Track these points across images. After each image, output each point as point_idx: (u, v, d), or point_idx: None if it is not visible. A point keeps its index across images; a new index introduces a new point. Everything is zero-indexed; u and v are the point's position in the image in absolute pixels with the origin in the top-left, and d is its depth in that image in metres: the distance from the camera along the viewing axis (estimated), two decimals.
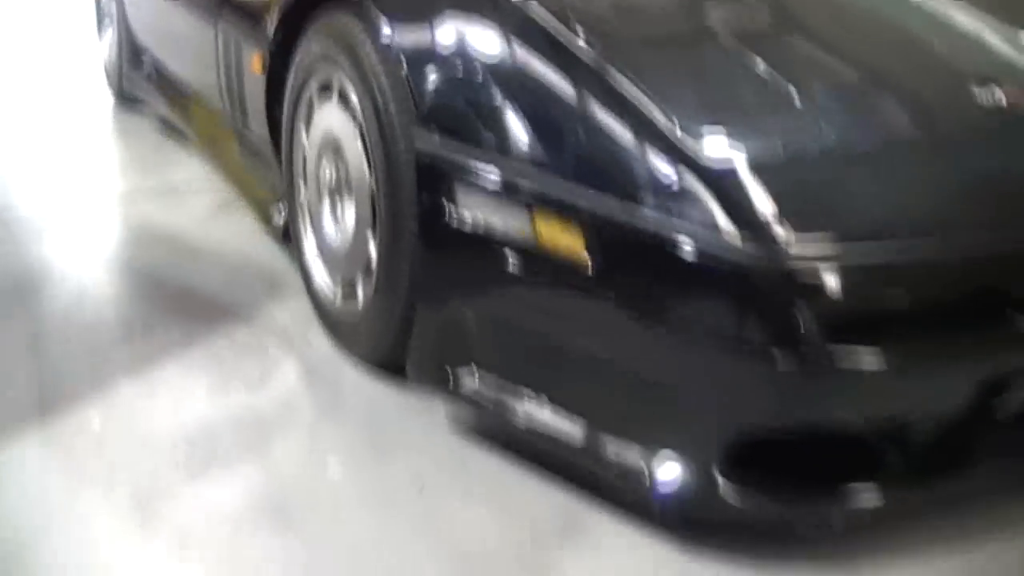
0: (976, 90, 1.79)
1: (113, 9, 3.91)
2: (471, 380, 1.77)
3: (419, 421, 1.90)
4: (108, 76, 4.09)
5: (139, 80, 3.68)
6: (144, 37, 3.61)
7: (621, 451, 1.59)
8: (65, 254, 2.60)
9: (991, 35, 2.14)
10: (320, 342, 2.17)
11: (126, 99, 3.91)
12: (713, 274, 1.42)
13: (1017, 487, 1.77)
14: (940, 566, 1.60)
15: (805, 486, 1.56)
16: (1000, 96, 1.79)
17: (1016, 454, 1.73)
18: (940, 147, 1.66)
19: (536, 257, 1.59)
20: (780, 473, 1.55)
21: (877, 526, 1.64)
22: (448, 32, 1.78)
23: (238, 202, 2.86)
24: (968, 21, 2.20)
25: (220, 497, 1.66)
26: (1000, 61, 2.00)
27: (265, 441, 1.82)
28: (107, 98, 4.07)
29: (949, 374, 1.51)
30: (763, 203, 1.44)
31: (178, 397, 1.95)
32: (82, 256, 2.61)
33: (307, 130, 2.21)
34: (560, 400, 1.66)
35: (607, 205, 1.50)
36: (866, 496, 1.57)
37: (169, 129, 3.60)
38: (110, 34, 3.99)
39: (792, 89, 1.65)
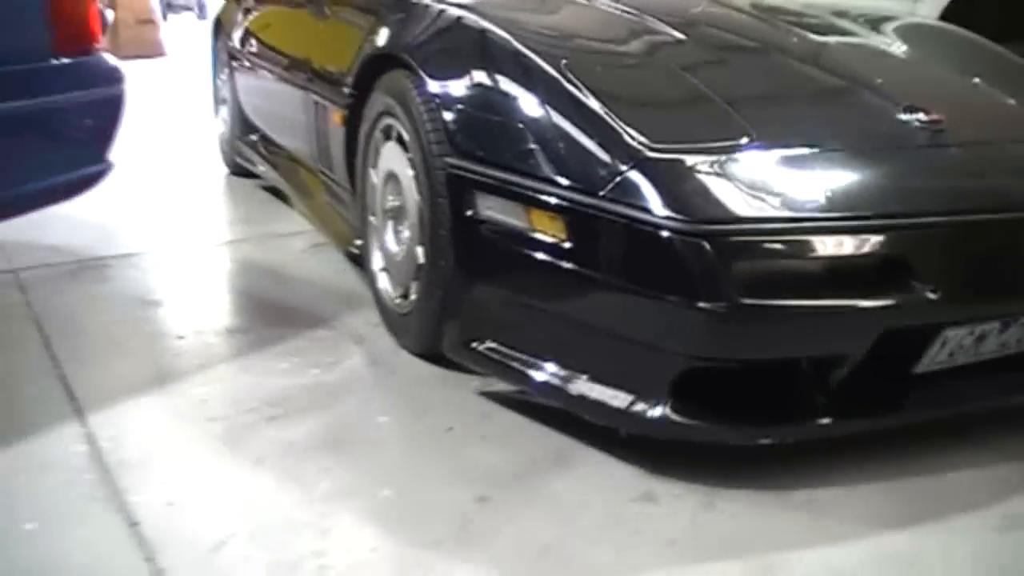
0: (895, 111, 2.26)
1: (227, 92, 4.57)
2: (490, 351, 2.25)
3: (453, 389, 2.39)
4: (222, 148, 4.75)
5: (247, 150, 4.30)
6: (252, 113, 4.25)
7: (598, 395, 2.05)
8: (183, 282, 3.17)
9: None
10: (383, 339, 2.67)
11: (236, 169, 4.55)
12: (655, 244, 1.90)
13: (939, 432, 2.17)
14: (862, 490, 2.01)
15: (741, 414, 2.00)
16: (915, 116, 2.25)
17: (933, 404, 2.15)
18: (853, 152, 2.12)
19: (531, 240, 2.08)
20: (721, 404, 1.99)
21: (803, 452, 2.07)
22: (470, 83, 2.33)
23: (326, 244, 3.43)
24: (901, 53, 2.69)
25: (290, 436, 2.16)
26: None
27: (330, 403, 2.32)
28: (220, 168, 4.70)
29: (845, 324, 1.94)
30: (694, 191, 1.92)
31: (266, 374, 2.47)
32: (197, 283, 3.18)
33: (375, 168, 2.75)
34: (554, 359, 2.13)
35: (578, 198, 1.99)
36: (792, 426, 2.01)
37: (272, 193, 4.22)
38: (224, 112, 4.66)
39: (727, 109, 2.14)
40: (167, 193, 4.36)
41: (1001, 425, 2.27)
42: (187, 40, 11.08)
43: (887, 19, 3.23)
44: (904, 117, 2.28)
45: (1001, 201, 2.13)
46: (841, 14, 3.24)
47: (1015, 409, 2.30)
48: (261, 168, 4.14)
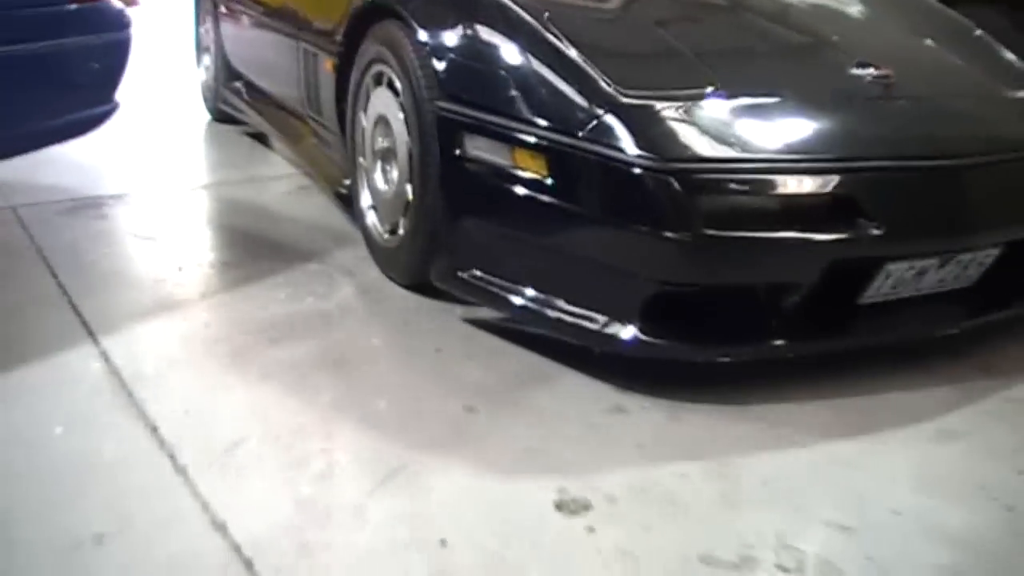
0: (848, 66, 2.47)
1: (210, 41, 4.71)
2: (474, 278, 2.45)
3: (440, 316, 2.59)
4: (204, 96, 4.88)
5: (232, 97, 4.45)
6: (238, 61, 4.39)
7: (575, 318, 2.26)
8: (176, 220, 3.34)
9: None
10: (372, 271, 2.86)
11: (220, 116, 4.69)
12: (628, 180, 2.10)
13: (883, 358, 2.40)
14: (811, 405, 2.23)
15: (703, 335, 2.22)
16: (867, 71, 2.46)
17: (877, 331, 2.37)
18: (807, 102, 2.33)
19: (515, 177, 2.28)
20: (686, 325, 2.21)
21: (760, 371, 2.29)
22: (459, 33, 2.52)
23: (312, 186, 3.61)
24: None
25: (291, 356, 2.35)
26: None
27: (326, 328, 2.51)
28: (203, 115, 4.85)
29: (796, 255, 2.16)
30: (662, 133, 2.12)
31: (265, 302, 2.65)
32: (189, 221, 3.36)
33: (365, 112, 2.92)
34: (534, 286, 2.34)
35: (558, 138, 2.19)
36: (749, 346, 2.24)
37: (256, 139, 4.37)
38: (207, 61, 4.79)
39: (696, 61, 2.35)
40: (154, 137, 4.50)
41: (940, 351, 2.50)
42: None
43: None
44: (856, 71, 2.49)
45: (942, 149, 2.34)
46: None
47: (953, 337, 2.52)
48: (246, 115, 4.29)
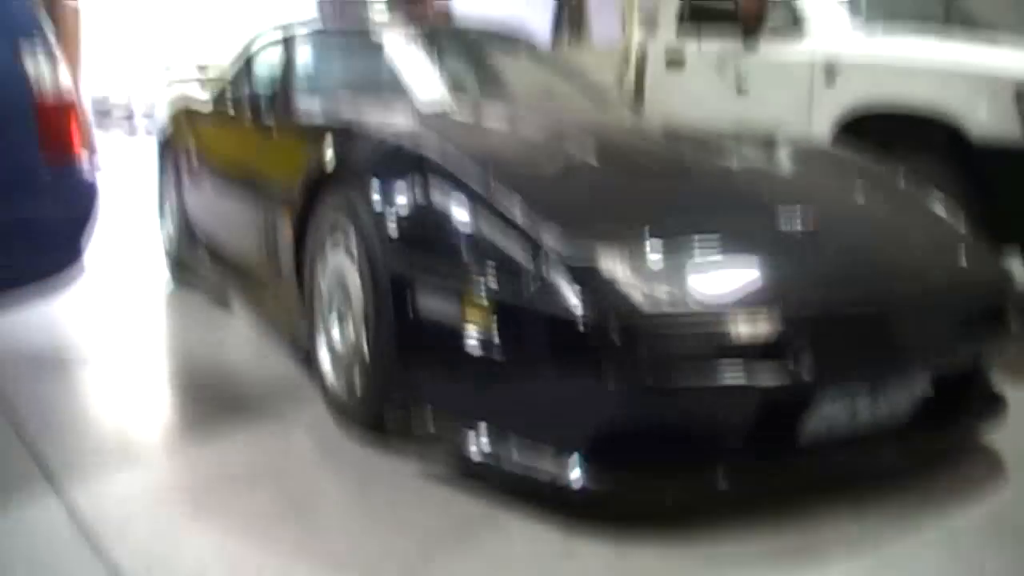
0: (776, 219, 2.67)
1: (173, 208, 4.89)
2: (428, 422, 2.57)
3: (394, 464, 2.69)
4: (168, 261, 5.04)
5: (194, 263, 4.61)
6: (200, 229, 4.56)
7: (524, 460, 2.38)
8: (141, 377, 3.45)
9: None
10: (329, 424, 2.96)
11: (182, 279, 4.84)
12: (572, 335, 2.25)
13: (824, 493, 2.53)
14: (755, 541, 2.33)
15: (647, 477, 2.34)
16: (793, 224, 2.66)
17: (816, 470, 2.51)
18: (737, 254, 2.51)
19: (465, 333, 2.42)
20: (633, 465, 2.33)
21: (703, 510, 2.40)
22: (410, 198, 2.70)
23: (273, 345, 3.74)
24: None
25: (251, 504, 2.44)
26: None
27: (285, 477, 2.62)
28: (164, 277, 5.01)
29: (729, 398, 2.30)
30: (602, 290, 2.28)
31: (226, 453, 2.76)
32: (153, 378, 3.47)
33: (323, 275, 3.07)
34: (485, 431, 2.46)
35: (505, 296, 2.35)
36: (691, 486, 2.36)
37: (215, 300, 4.51)
38: (170, 228, 4.97)
39: (634, 211, 2.54)
40: (118, 301, 4.62)
41: (878, 481, 2.63)
42: (120, 156, 11.37)
43: (782, 140, 3.68)
44: (783, 224, 2.68)
45: (864, 292, 2.53)
46: (739, 136, 3.68)
47: (890, 468, 2.66)
48: (208, 279, 4.44)
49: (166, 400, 3.28)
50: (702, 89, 5.38)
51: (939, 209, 3.22)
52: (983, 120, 4.09)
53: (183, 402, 3.27)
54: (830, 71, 4.71)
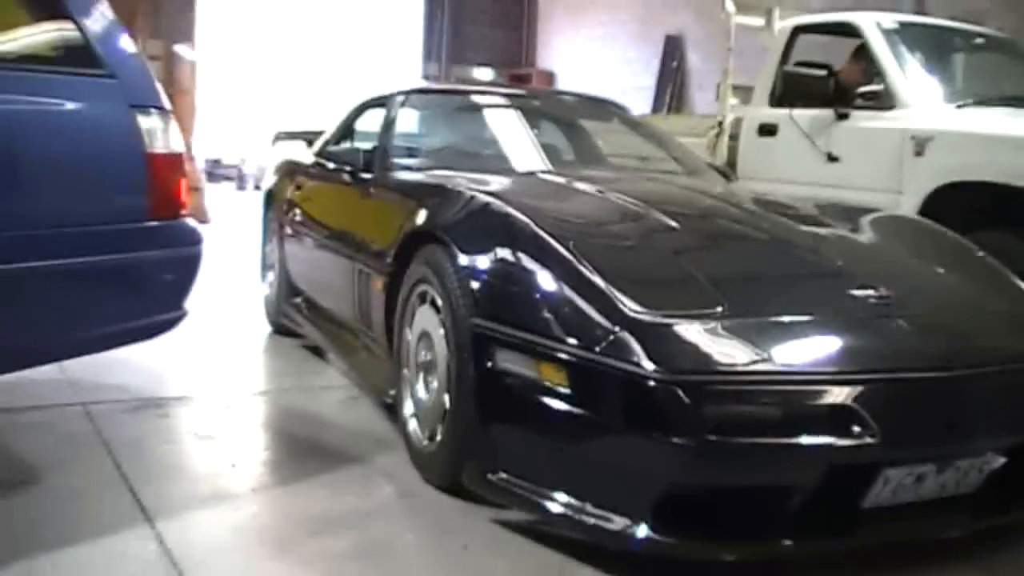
0: (849, 288, 2.72)
1: (274, 258, 5.10)
2: (502, 481, 2.66)
3: (471, 516, 2.78)
4: (267, 309, 5.25)
5: (292, 311, 4.79)
6: (298, 278, 4.76)
7: (594, 519, 2.45)
8: (234, 422, 3.60)
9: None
10: (411, 475, 3.06)
11: (280, 328, 5.03)
12: (640, 390, 2.33)
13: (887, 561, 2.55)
14: None
15: (713, 533, 2.39)
16: (867, 292, 2.71)
17: (882, 534, 2.53)
18: (808, 320, 2.57)
19: (540, 388, 2.52)
20: (695, 524, 2.39)
21: (771, 568, 2.44)
22: (494, 258, 2.83)
23: (362, 396, 3.88)
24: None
25: (329, 547, 2.55)
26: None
27: (364, 523, 2.72)
28: (264, 327, 5.20)
29: (795, 459, 2.35)
30: (672, 348, 2.37)
31: (310, 498, 2.88)
32: (245, 423, 3.63)
33: (410, 328, 3.21)
34: (556, 487, 2.54)
35: (579, 352, 2.44)
36: (757, 546, 2.41)
37: (312, 351, 4.69)
38: (271, 277, 5.17)
39: (707, 284, 2.61)
40: (218, 345, 4.84)
41: (944, 554, 2.64)
42: (228, 208, 11.79)
43: (863, 211, 3.73)
44: (857, 293, 2.73)
45: (934, 361, 2.56)
46: (821, 206, 3.74)
47: (958, 540, 2.66)
48: (304, 327, 4.61)
49: (258, 443, 3.43)
50: (793, 156, 5.43)
51: (1015, 281, 3.24)
52: None
53: (274, 446, 3.42)
54: (920, 141, 4.73)
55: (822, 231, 3.33)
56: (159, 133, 2.95)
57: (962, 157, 4.58)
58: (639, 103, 13.23)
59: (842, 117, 5.21)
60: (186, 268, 3.04)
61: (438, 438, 2.94)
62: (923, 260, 3.23)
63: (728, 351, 2.40)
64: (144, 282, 2.96)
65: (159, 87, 3.06)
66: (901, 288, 2.83)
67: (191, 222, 3.09)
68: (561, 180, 3.70)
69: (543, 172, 3.94)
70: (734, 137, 5.95)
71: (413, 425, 3.15)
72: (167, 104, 3.05)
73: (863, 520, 2.51)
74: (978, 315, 2.91)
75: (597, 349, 2.42)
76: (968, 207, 4.53)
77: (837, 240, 3.28)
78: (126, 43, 2.98)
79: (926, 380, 2.52)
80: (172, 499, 2.79)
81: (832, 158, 5.21)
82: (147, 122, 2.91)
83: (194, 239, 3.06)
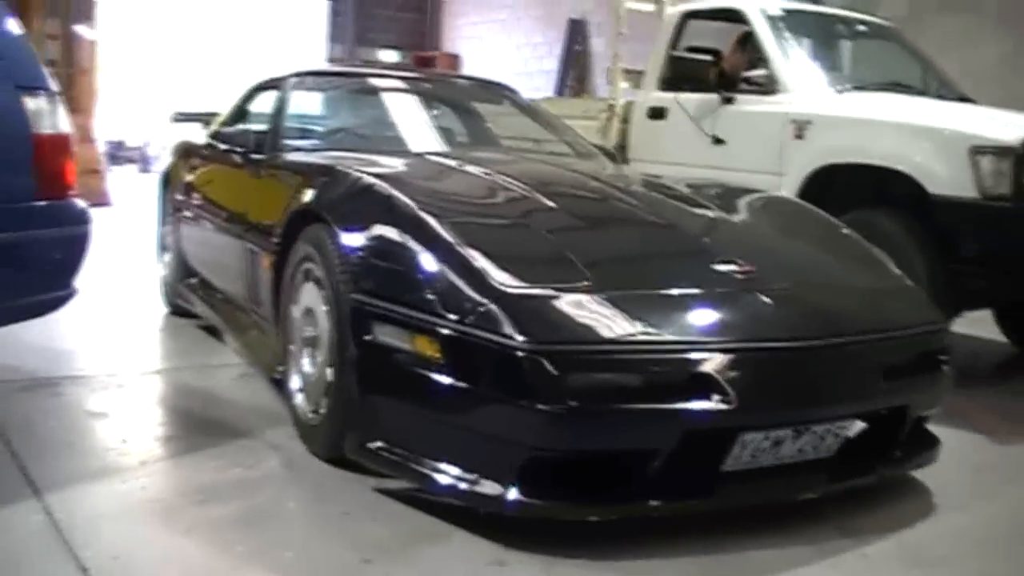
0: (712, 262, 2.88)
1: (170, 240, 5.14)
2: (380, 450, 2.78)
3: (352, 484, 2.88)
4: (163, 290, 5.29)
5: (187, 292, 4.84)
6: (193, 259, 4.81)
7: (466, 484, 2.58)
8: (126, 399, 3.66)
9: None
10: (298, 447, 3.16)
11: (176, 309, 5.08)
12: (508, 360, 2.47)
13: (747, 520, 2.71)
14: (676, 561, 2.52)
15: (576, 496, 2.54)
16: (730, 267, 2.87)
17: (740, 496, 2.70)
18: (668, 293, 2.73)
19: (415, 359, 2.64)
20: (563, 488, 2.53)
21: (629, 529, 2.59)
22: (372, 235, 2.94)
23: (254, 374, 3.97)
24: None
25: (214, 514, 2.64)
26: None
27: (249, 493, 2.82)
28: (160, 308, 5.24)
29: (653, 424, 2.50)
30: (537, 320, 2.50)
31: (197, 471, 2.96)
32: (137, 401, 3.69)
33: (296, 304, 3.30)
34: (430, 453, 2.66)
35: (450, 325, 2.57)
36: (618, 506, 2.56)
37: (207, 331, 4.74)
38: (167, 258, 5.21)
39: (574, 260, 2.75)
40: (113, 326, 4.87)
41: (801, 513, 2.80)
42: (131, 191, 11.68)
43: (740, 191, 3.90)
44: (720, 268, 2.89)
45: (791, 332, 2.73)
46: (700, 187, 3.90)
47: (815, 501, 2.83)
48: (199, 308, 4.67)
49: (150, 419, 3.49)
50: (681, 139, 5.61)
51: (880, 257, 3.43)
52: (940, 176, 4.30)
53: (166, 422, 3.49)
54: (800, 125, 4.93)
55: (696, 211, 3.49)
56: (46, 114, 3.00)
57: (839, 140, 4.79)
58: (544, 86, 13.40)
59: (727, 101, 5.40)
60: (74, 247, 3.10)
61: (322, 411, 3.05)
62: (791, 238, 3.41)
63: (592, 323, 2.54)
64: (31, 261, 3.01)
65: (46, 69, 3.10)
66: (765, 263, 3.00)
67: (80, 202, 3.14)
68: (451, 162, 3.81)
69: (432, 154, 4.04)
70: (625, 120, 6.11)
71: (299, 399, 3.24)
72: (54, 86, 3.09)
73: (725, 482, 2.67)
74: (838, 289, 3.10)
75: (468, 321, 2.54)
76: (845, 188, 4.76)
77: (709, 219, 3.44)
78: (11, 24, 3.03)
79: (782, 350, 2.69)
80: (61, 474, 2.85)
81: (718, 141, 5.40)
82: (34, 103, 2.96)
83: (82, 218, 3.12)
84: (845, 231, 3.61)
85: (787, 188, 4.84)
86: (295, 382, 3.29)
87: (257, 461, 3.06)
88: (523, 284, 2.61)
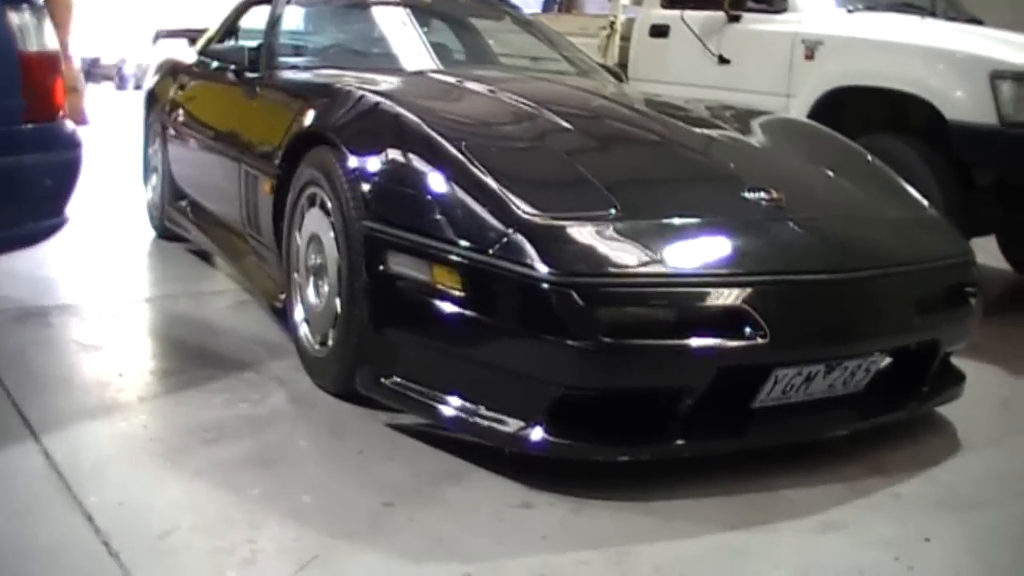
0: (741, 190, 2.73)
1: (158, 162, 4.93)
2: (396, 385, 2.64)
3: (364, 420, 2.76)
4: (151, 214, 5.09)
5: (177, 215, 4.66)
6: (183, 181, 4.61)
7: (488, 422, 2.46)
8: (120, 330, 3.51)
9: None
10: (303, 380, 3.03)
11: (165, 233, 4.89)
12: (534, 292, 2.33)
13: (777, 459, 2.60)
14: (706, 500, 2.42)
15: (606, 435, 2.42)
16: (759, 195, 2.72)
17: (770, 434, 2.59)
18: (699, 222, 2.58)
19: (433, 291, 2.50)
20: (592, 427, 2.41)
21: (659, 469, 2.48)
22: (385, 159, 2.78)
23: (251, 301, 3.81)
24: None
25: (223, 455, 2.51)
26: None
27: (258, 431, 2.68)
28: (148, 232, 5.05)
29: (687, 361, 2.38)
30: (565, 250, 2.36)
31: (201, 407, 2.82)
32: (132, 331, 3.54)
33: (300, 231, 3.14)
34: (451, 391, 2.53)
35: (472, 255, 2.42)
36: (648, 446, 2.44)
37: (198, 255, 4.58)
38: (154, 181, 5.00)
39: (599, 186, 2.60)
40: (101, 252, 4.68)
41: (831, 451, 2.71)
42: (108, 109, 11.38)
43: (756, 114, 3.75)
44: (749, 195, 2.74)
45: (824, 264, 2.60)
46: (713, 109, 3.74)
47: (845, 438, 2.74)
48: (190, 232, 4.49)
49: (145, 351, 3.35)
50: (684, 58, 5.43)
51: (904, 186, 3.30)
52: (958, 101, 4.15)
53: (162, 354, 3.35)
54: (810, 45, 4.76)
55: (715, 133, 3.34)
56: (32, 31, 2.81)
57: (852, 62, 4.64)
58: (529, 2, 13.07)
59: (734, 19, 5.22)
60: (65, 173, 2.92)
61: (329, 343, 2.91)
62: (815, 164, 3.26)
63: (622, 253, 2.40)
64: (21, 188, 2.84)
65: None
66: (793, 191, 2.85)
67: (69, 124, 2.96)
68: (452, 80, 3.63)
69: (433, 71, 3.86)
70: (625, 38, 5.92)
71: (304, 330, 3.10)
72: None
73: (753, 420, 2.56)
74: (869, 219, 2.96)
75: (491, 251, 2.40)
76: (856, 112, 4.61)
77: (730, 143, 3.29)
78: None
79: (818, 282, 2.56)
80: (58, 412, 2.71)
81: (723, 60, 5.24)
82: (18, 18, 2.77)
83: (73, 142, 2.94)
84: (869, 158, 3.47)
85: (796, 111, 4.70)
86: (299, 312, 3.15)
87: (263, 396, 2.93)
88: (549, 212, 2.46)
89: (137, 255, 4.78)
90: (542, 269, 2.32)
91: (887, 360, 2.76)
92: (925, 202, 3.26)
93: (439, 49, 4.29)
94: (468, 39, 4.84)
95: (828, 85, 4.69)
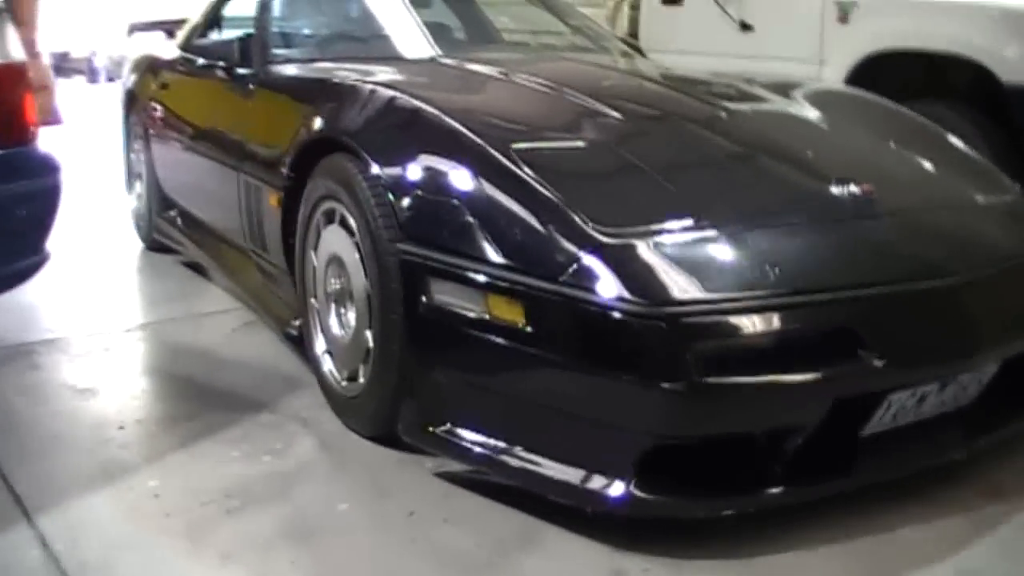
0: (828, 185, 2.35)
1: (141, 167, 4.51)
2: (448, 434, 2.26)
3: (408, 471, 2.40)
4: (137, 224, 4.67)
5: (167, 226, 4.25)
6: (172, 189, 4.20)
7: (561, 475, 2.09)
8: (115, 367, 3.12)
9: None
10: (330, 421, 2.65)
11: (154, 245, 4.48)
12: (615, 327, 1.95)
13: (887, 492, 2.25)
14: (821, 552, 2.07)
15: (701, 488, 2.05)
16: (847, 189, 2.34)
17: (881, 469, 2.22)
18: (795, 229, 2.21)
19: (490, 326, 2.11)
20: (683, 479, 2.04)
21: (763, 519, 2.12)
22: (419, 166, 2.36)
23: (257, 322, 3.42)
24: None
25: (252, 529, 2.14)
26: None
27: (287, 491, 2.31)
28: (136, 244, 4.63)
29: (800, 397, 2.01)
30: (648, 274, 1.98)
31: (218, 463, 2.44)
32: (129, 368, 3.14)
33: (315, 251, 2.75)
34: (515, 441, 2.16)
35: (536, 283, 2.03)
36: (750, 496, 2.07)
37: (192, 269, 4.17)
38: (139, 188, 4.58)
39: (674, 191, 2.21)
40: (85, 272, 4.25)
41: (942, 476, 2.35)
42: (81, 106, 10.91)
43: (796, 84, 3.35)
44: (837, 190, 2.37)
45: (936, 268, 2.23)
46: (751, 82, 3.34)
47: (953, 464, 2.38)
48: (184, 246, 4.09)
49: (147, 393, 2.96)
50: (702, 26, 5.04)
51: (990, 165, 2.93)
52: (1015, 62, 3.77)
53: (166, 395, 2.97)
54: (844, 7, 4.38)
55: (778, 113, 2.96)
56: None
57: (892, 23, 4.26)
58: None
59: None
60: (42, 204, 2.52)
61: (361, 381, 2.53)
62: (891, 144, 2.87)
63: (714, 274, 2.03)
64: None
65: None
66: (880, 181, 2.47)
67: (44, 148, 2.55)
68: (483, 69, 3.21)
69: (445, 57, 3.46)
70: (635, 7, 5.52)
71: (328, 365, 2.72)
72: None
73: (860, 452, 2.20)
74: (967, 209, 2.60)
75: (560, 279, 2.02)
76: (896, 77, 4.23)
77: (797, 125, 2.91)
78: None
79: (930, 290, 2.19)
80: (53, 483, 2.33)
81: (745, 27, 4.86)
82: None
83: (49, 166, 2.54)
84: (945, 135, 3.07)
85: (829, 79, 4.32)
86: (320, 344, 2.77)
87: (286, 444, 2.55)
88: (624, 227, 2.08)
89: (126, 271, 4.36)
90: (623, 298, 1.95)
91: (996, 369, 2.39)
92: (1013, 182, 2.88)
93: (445, 30, 3.89)
94: (472, 17, 4.42)
95: (866, 50, 4.31)
